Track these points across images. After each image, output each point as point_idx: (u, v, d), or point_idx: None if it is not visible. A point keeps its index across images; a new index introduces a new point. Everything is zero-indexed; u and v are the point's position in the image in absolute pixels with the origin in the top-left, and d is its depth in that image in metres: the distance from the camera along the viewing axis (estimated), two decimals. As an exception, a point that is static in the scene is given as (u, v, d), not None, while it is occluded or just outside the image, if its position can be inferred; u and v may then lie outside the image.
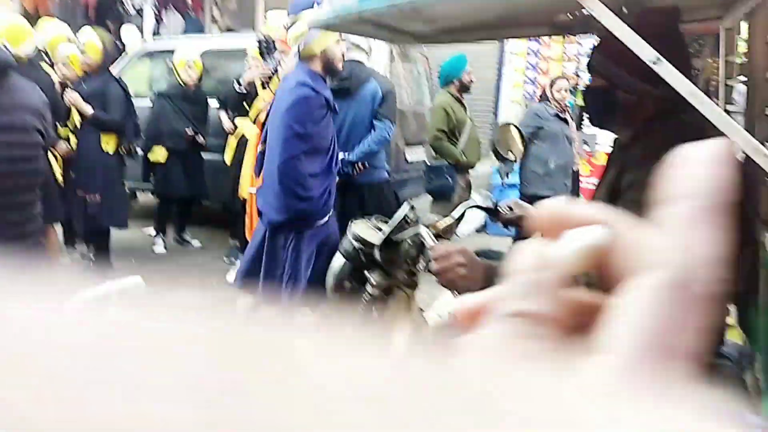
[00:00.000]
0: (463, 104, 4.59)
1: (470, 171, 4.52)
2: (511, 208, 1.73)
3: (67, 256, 4.57)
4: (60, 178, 3.98)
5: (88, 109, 4.03)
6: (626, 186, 1.18)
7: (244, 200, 4.15)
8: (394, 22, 1.55)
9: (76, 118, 4.14)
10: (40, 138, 1.86)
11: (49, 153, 3.75)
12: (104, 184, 4.11)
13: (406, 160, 5.49)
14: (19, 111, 1.79)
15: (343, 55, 2.78)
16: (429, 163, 4.59)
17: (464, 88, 4.58)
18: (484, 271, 1.33)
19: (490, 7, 1.52)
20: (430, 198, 4.58)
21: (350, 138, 3.55)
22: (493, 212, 1.76)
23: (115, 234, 4.42)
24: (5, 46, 3.46)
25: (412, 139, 5.51)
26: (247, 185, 3.98)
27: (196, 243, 5.12)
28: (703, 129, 0.99)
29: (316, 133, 2.63)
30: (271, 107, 2.98)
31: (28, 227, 1.82)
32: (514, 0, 1.46)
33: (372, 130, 3.58)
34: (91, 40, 4.22)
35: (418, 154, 5.60)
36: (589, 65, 1.31)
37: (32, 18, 6.82)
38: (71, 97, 3.99)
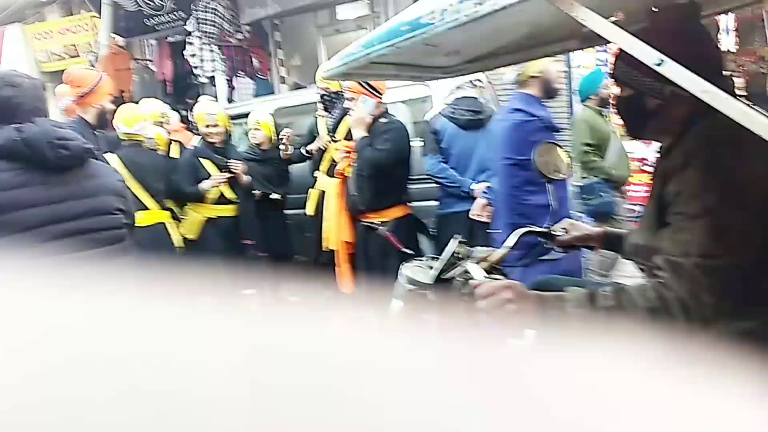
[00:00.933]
0: (604, 118, 4.57)
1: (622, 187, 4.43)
2: (566, 230, 1.66)
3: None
4: (181, 244, 4.31)
5: (246, 178, 4.52)
6: (672, 197, 1.11)
7: (332, 251, 4.22)
8: (412, 60, 1.56)
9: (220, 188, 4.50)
10: (122, 216, 1.99)
11: (170, 225, 4.12)
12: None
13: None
14: (100, 195, 1.91)
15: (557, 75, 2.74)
16: (580, 184, 4.49)
17: (604, 102, 4.56)
18: (536, 305, 1.27)
19: (511, 31, 1.50)
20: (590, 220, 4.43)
21: (485, 170, 3.65)
22: (548, 236, 1.69)
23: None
24: (119, 126, 3.92)
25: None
26: (333, 236, 4.06)
27: (292, 298, 5.24)
28: (740, 125, 0.91)
29: None
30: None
31: None
32: (535, 18, 1.43)
33: None
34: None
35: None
36: (613, 76, 1.26)
37: (119, 100, 7.47)
38: (235, 167, 4.45)
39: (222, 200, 4.47)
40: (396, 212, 3.80)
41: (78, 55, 10.16)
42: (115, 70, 8.52)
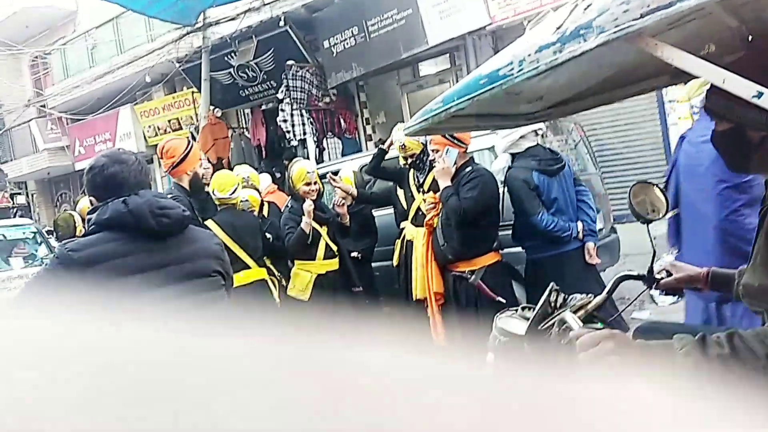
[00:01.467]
0: None
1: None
2: (669, 273, 1.57)
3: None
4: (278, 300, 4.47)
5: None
6: None
7: (418, 300, 4.21)
8: (493, 110, 1.57)
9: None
10: (222, 279, 2.09)
11: (270, 282, 4.32)
12: None
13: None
14: (199, 259, 2.02)
15: None
16: None
17: None
18: (640, 354, 1.20)
19: (595, 73, 1.49)
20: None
21: (566, 211, 3.81)
22: (649, 279, 1.60)
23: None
24: (214, 192, 4.19)
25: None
26: (421, 285, 4.05)
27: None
28: None
29: (752, 180, 2.33)
30: (671, 173, 2.88)
31: None
32: (620, 59, 1.41)
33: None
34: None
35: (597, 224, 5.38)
36: (707, 109, 1.20)
37: (218, 167, 7.96)
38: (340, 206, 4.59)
39: (328, 254, 4.42)
40: (486, 260, 3.74)
41: (180, 128, 11.00)
42: (213, 139, 9.14)
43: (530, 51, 1.14)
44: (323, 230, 4.35)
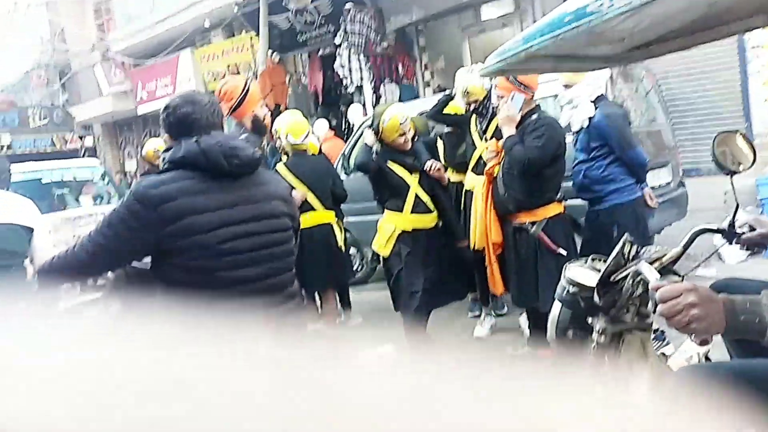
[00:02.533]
0: None
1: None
2: (752, 228, 1.49)
3: (344, 317, 5.09)
4: (342, 244, 4.54)
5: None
6: None
7: (477, 252, 4.20)
8: (574, 51, 1.50)
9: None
10: (289, 221, 2.13)
11: (338, 226, 4.40)
12: None
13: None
14: (268, 200, 2.06)
15: None
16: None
17: None
18: (724, 310, 1.15)
19: (685, 12, 1.39)
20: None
21: None
22: (730, 234, 1.53)
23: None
24: (288, 137, 4.27)
25: (651, 161, 5.10)
26: (481, 236, 4.02)
27: None
28: None
29: None
30: None
31: (289, 305, 2.04)
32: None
33: None
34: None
35: (660, 177, 5.17)
36: None
37: (276, 112, 8.04)
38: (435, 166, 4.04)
39: (419, 208, 3.87)
40: (548, 211, 3.65)
41: (239, 73, 11.07)
42: (272, 85, 9.17)
43: (622, -15, 1.07)
44: (413, 179, 3.87)
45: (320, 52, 9.81)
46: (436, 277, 3.86)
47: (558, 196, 3.73)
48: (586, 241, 3.95)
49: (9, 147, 7.47)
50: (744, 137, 1.58)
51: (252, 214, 1.97)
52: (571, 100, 3.85)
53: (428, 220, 3.92)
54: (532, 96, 3.68)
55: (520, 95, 3.58)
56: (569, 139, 4.32)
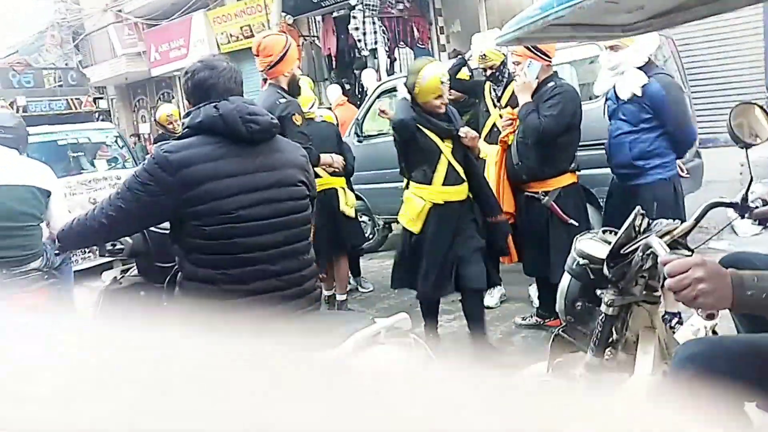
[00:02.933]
0: None
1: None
2: (765, 202, 1.48)
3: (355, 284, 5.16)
4: (352, 211, 4.55)
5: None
6: None
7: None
8: (591, 19, 1.47)
9: None
10: (306, 189, 2.14)
11: (343, 191, 4.41)
12: None
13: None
14: (286, 168, 2.07)
15: None
16: None
17: None
18: (731, 285, 1.15)
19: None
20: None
21: None
22: (742, 208, 1.52)
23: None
24: None
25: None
26: None
27: None
28: None
29: None
30: None
31: (305, 272, 2.06)
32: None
33: None
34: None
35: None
36: None
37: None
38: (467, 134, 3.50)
39: (452, 179, 3.43)
40: (562, 181, 3.63)
41: (252, 35, 10.97)
42: (285, 47, 9.08)
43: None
44: (446, 146, 3.41)
45: (334, 14, 9.67)
46: (459, 258, 3.44)
47: (572, 166, 3.70)
48: (614, 215, 3.47)
49: (25, 109, 7.47)
50: (762, 109, 1.56)
51: (270, 181, 1.98)
52: (617, 65, 3.39)
53: (460, 192, 3.45)
54: (549, 63, 3.62)
55: (536, 63, 3.53)
56: (593, 106, 4.25)
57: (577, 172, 3.77)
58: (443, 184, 3.40)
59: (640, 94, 3.36)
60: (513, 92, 3.83)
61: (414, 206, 3.43)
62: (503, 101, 4.06)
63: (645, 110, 3.40)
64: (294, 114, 3.57)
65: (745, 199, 1.53)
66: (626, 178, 3.53)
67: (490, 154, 4.12)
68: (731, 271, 1.18)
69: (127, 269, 2.43)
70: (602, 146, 3.86)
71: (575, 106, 3.55)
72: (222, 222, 1.87)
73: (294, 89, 3.64)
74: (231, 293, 1.87)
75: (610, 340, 1.55)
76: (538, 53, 3.52)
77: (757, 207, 1.53)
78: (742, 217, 1.57)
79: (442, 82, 3.31)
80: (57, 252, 2.85)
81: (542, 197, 3.64)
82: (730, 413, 1.25)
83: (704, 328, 1.63)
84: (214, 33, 11.85)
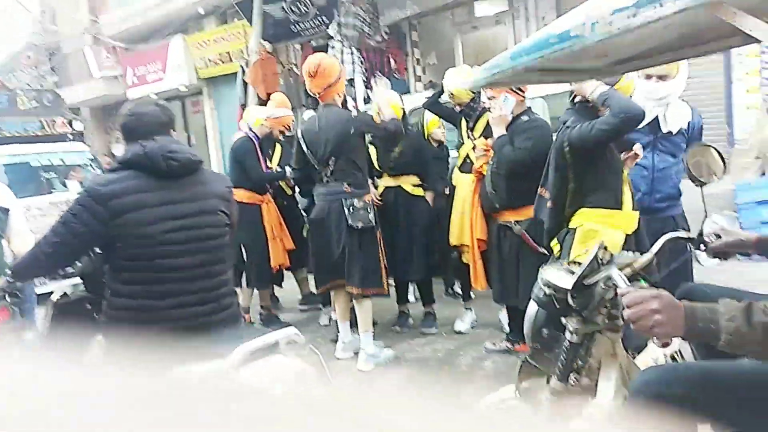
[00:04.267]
0: None
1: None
2: (718, 236, 1.58)
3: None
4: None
5: None
6: None
7: (453, 248, 4.31)
8: (560, 65, 1.57)
9: None
10: (226, 218, 2.38)
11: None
12: None
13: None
14: (208, 198, 2.31)
15: None
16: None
17: None
18: (684, 316, 1.24)
19: (664, 34, 1.47)
20: None
21: None
22: (698, 242, 1.62)
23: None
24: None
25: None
26: (466, 233, 4.10)
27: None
28: None
29: None
30: None
31: (222, 290, 2.30)
32: (692, 21, 1.38)
33: None
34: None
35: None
36: None
37: (265, 102, 8.07)
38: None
39: None
40: (532, 211, 3.75)
41: (231, 61, 11.03)
42: (263, 74, 9.17)
43: (604, 14, 1.15)
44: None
45: (313, 43, 9.81)
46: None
47: None
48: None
49: (-2, 129, 7.42)
50: (716, 150, 1.67)
51: (191, 210, 2.23)
52: (666, 96, 3.11)
53: None
54: (524, 98, 3.76)
55: (511, 97, 3.66)
56: None
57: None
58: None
59: (685, 127, 3.24)
60: (487, 123, 3.96)
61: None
62: (476, 133, 4.19)
63: (685, 141, 3.27)
64: (368, 120, 4.18)
65: (700, 233, 1.63)
66: (660, 211, 3.30)
67: (462, 183, 4.24)
68: (684, 302, 1.26)
69: (77, 284, 2.62)
70: None
71: (548, 140, 3.67)
72: (144, 245, 2.12)
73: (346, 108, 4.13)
74: (152, 308, 2.13)
75: (575, 366, 1.63)
76: (513, 89, 3.65)
77: (711, 242, 1.63)
78: (698, 250, 1.67)
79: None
80: (10, 282, 2.91)
81: (514, 226, 3.74)
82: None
83: (663, 355, 1.72)
84: (192, 58, 11.90)
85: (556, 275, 1.63)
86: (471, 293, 4.63)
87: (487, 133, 3.98)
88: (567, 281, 1.58)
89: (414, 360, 4.05)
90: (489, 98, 3.80)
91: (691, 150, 1.65)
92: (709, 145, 1.69)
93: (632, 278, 1.53)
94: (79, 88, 14.12)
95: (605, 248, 1.58)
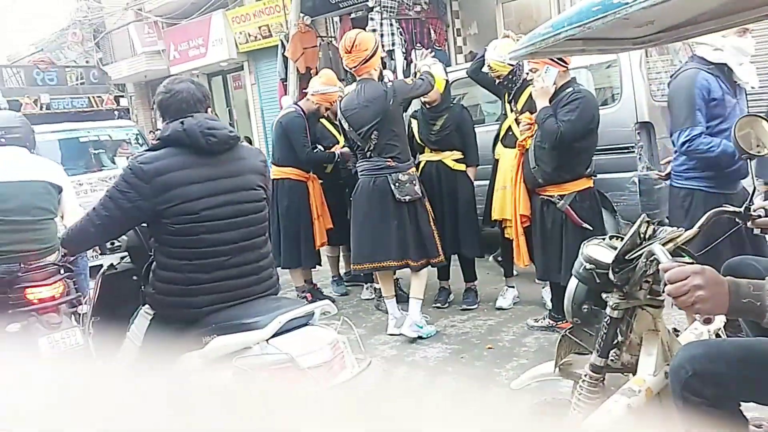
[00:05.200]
0: None
1: None
2: (766, 210, 1.55)
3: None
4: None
5: None
6: None
7: (496, 222, 4.29)
8: (602, 34, 1.54)
9: None
10: (263, 192, 2.44)
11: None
12: None
13: (678, 162, 5.08)
14: (246, 174, 2.37)
15: None
16: None
17: None
18: (728, 292, 1.22)
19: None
20: None
21: None
22: (745, 217, 1.59)
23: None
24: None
25: (675, 138, 5.04)
26: (508, 208, 4.08)
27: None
28: None
29: None
30: None
31: (261, 263, 2.38)
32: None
33: None
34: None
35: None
36: None
37: (306, 76, 8.10)
38: None
39: None
40: (577, 186, 3.70)
41: (271, 35, 11.10)
42: (303, 48, 9.19)
43: (647, -20, 1.13)
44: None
45: (352, 15, 9.76)
46: None
47: (588, 171, 3.75)
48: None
49: (48, 107, 7.66)
50: (766, 120, 1.62)
51: (231, 185, 2.30)
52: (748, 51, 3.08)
53: None
54: (567, 69, 3.68)
55: (553, 69, 3.59)
56: (610, 110, 4.21)
57: (593, 177, 3.84)
58: None
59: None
60: (530, 97, 3.90)
61: None
62: (519, 106, 4.13)
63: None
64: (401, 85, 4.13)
65: (747, 208, 1.60)
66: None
67: (504, 157, 4.20)
68: (729, 279, 1.25)
69: (124, 257, 2.74)
70: (620, 150, 3.86)
71: (593, 112, 3.61)
72: (188, 221, 2.19)
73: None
74: (196, 281, 2.21)
75: (615, 342, 1.62)
76: (555, 60, 3.57)
77: (759, 216, 1.60)
78: (745, 225, 1.63)
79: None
80: (63, 255, 3.02)
81: (557, 201, 3.70)
82: (728, 415, 1.32)
83: (707, 332, 1.70)
84: (233, 32, 12.00)
85: (597, 250, 1.62)
86: (513, 270, 4.61)
87: (530, 106, 3.91)
88: (608, 256, 1.57)
89: (455, 335, 4.08)
90: (531, 70, 3.73)
91: (740, 121, 1.60)
92: (759, 115, 1.63)
93: (675, 253, 1.51)
94: (123, 64, 14.44)
95: (648, 222, 1.56)
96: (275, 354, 1.99)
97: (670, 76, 3.23)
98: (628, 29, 1.64)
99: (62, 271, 3.11)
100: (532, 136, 3.80)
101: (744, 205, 1.61)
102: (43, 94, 7.75)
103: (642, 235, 1.55)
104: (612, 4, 1.17)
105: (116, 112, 8.52)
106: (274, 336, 2.04)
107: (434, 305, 4.66)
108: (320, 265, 5.27)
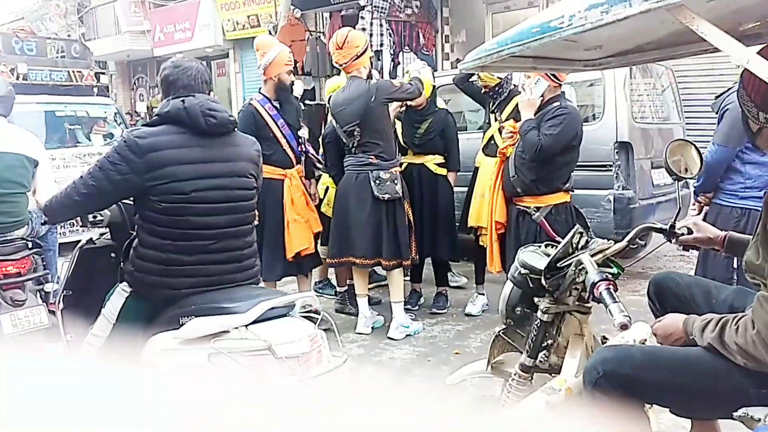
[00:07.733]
0: None
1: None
2: (690, 230, 1.70)
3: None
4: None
5: None
6: None
7: (471, 228, 4.42)
8: (552, 54, 1.67)
9: None
10: (254, 180, 2.46)
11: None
12: None
13: (652, 183, 5.28)
14: (239, 160, 2.36)
15: None
16: None
17: None
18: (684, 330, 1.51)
19: (653, 31, 1.56)
20: None
21: None
22: (670, 234, 1.74)
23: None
24: None
25: (659, 159, 5.22)
26: (484, 215, 4.19)
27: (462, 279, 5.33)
28: None
29: None
30: None
31: (245, 251, 2.40)
32: (668, 25, 1.47)
33: None
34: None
35: (666, 176, 5.30)
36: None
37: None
38: None
39: None
40: (554, 199, 3.79)
41: (259, 25, 11.16)
42: (291, 40, 9.27)
43: (580, 8, 1.26)
44: None
45: (342, 12, 9.87)
46: None
47: (566, 186, 3.85)
48: None
49: (25, 77, 7.61)
50: (695, 147, 1.78)
51: (224, 170, 2.31)
52: None
53: None
54: (559, 85, 3.76)
55: (544, 81, 3.67)
56: (593, 127, 4.26)
57: (571, 192, 3.93)
58: None
59: None
60: (516, 106, 3.99)
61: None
62: (504, 115, 4.23)
63: None
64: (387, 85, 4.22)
65: (672, 226, 1.75)
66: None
67: (485, 164, 4.32)
68: (683, 320, 1.55)
69: (104, 233, 2.73)
70: (597, 168, 3.95)
71: (576, 128, 3.69)
72: (177, 201, 2.19)
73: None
74: (178, 262, 2.21)
75: (544, 344, 1.76)
76: (548, 74, 3.63)
77: (682, 234, 1.75)
78: (670, 242, 1.78)
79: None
80: (43, 222, 3.01)
81: (534, 212, 3.79)
82: (632, 414, 1.46)
83: (633, 340, 1.84)
84: (221, 19, 12.04)
85: (532, 256, 1.76)
86: (484, 276, 4.69)
87: (516, 115, 3.98)
88: (542, 262, 1.71)
89: (423, 338, 4.17)
90: (526, 77, 3.77)
91: (671, 146, 1.75)
92: (689, 142, 1.79)
93: (604, 264, 1.65)
94: (106, 42, 14.38)
95: (581, 234, 1.70)
96: (253, 340, 1.98)
97: (726, 90, 3.11)
98: (578, 51, 1.77)
99: (30, 246, 3.05)
100: (514, 144, 3.87)
101: (669, 223, 1.76)
102: (21, 64, 7.69)
103: (574, 245, 1.69)
104: (549, 27, 1.30)
105: (95, 89, 8.48)
106: (253, 323, 2.03)
107: (405, 307, 4.72)
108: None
